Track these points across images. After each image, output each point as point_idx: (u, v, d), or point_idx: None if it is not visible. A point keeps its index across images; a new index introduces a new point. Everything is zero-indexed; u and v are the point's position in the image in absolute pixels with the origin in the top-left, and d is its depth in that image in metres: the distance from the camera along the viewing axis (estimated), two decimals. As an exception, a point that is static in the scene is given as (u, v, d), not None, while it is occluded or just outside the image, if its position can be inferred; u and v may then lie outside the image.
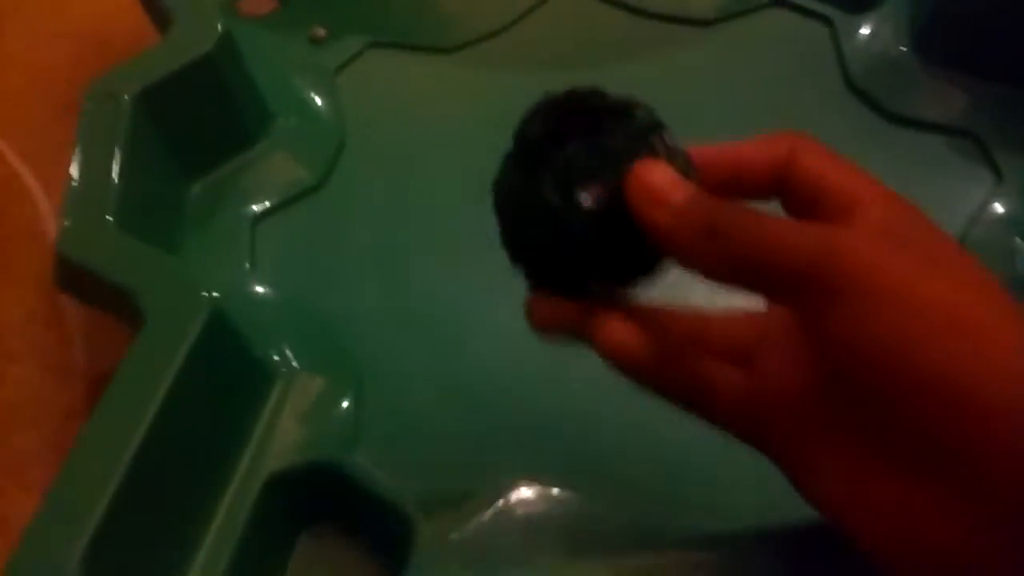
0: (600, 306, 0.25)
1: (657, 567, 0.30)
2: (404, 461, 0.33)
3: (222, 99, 0.39)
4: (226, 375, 0.32)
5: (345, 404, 0.34)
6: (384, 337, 0.36)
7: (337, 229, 0.39)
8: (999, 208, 0.39)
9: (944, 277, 0.20)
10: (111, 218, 0.32)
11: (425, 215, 0.40)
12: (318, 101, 0.43)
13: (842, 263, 0.20)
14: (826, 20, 0.45)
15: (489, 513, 0.32)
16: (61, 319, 0.38)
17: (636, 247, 0.24)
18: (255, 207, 0.39)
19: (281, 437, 0.33)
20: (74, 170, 0.33)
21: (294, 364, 0.34)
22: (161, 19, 0.39)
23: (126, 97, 0.35)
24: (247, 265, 0.37)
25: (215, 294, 0.31)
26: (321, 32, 0.45)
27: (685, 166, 0.24)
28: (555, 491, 0.32)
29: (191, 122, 0.38)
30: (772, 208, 0.23)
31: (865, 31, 0.44)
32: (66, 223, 0.32)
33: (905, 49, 0.43)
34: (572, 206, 0.23)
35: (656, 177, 0.23)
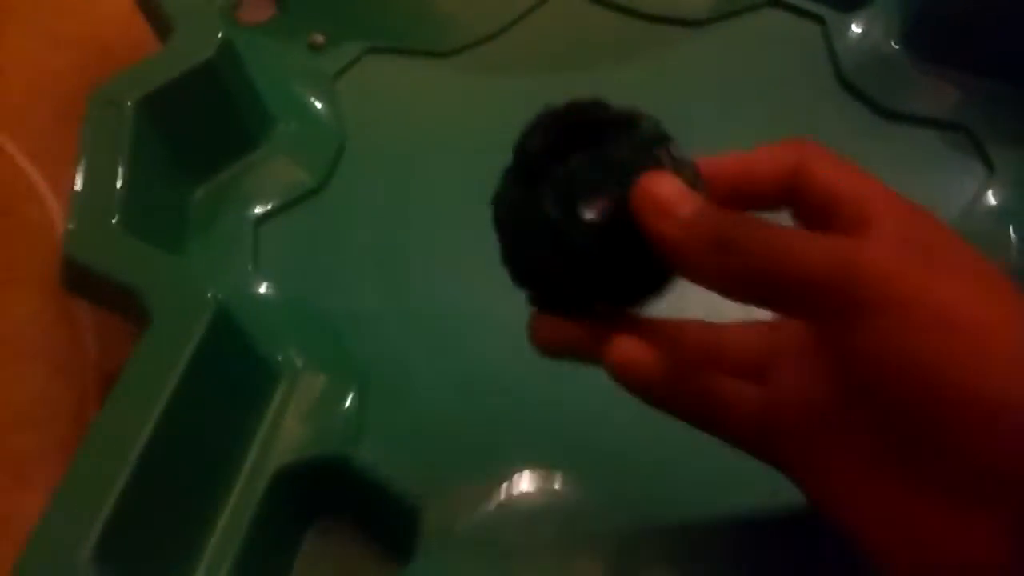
0: (607, 324, 0.24)
1: (659, 558, 0.30)
2: (408, 455, 0.33)
3: (223, 104, 0.39)
4: (231, 374, 0.32)
5: (349, 401, 0.34)
6: (386, 335, 0.37)
7: (338, 230, 0.40)
8: (991, 200, 0.39)
9: (968, 287, 0.20)
10: (116, 221, 0.32)
11: (424, 215, 0.40)
12: (318, 106, 0.43)
13: (863, 276, 0.20)
14: (818, 19, 0.46)
15: (493, 505, 0.32)
16: (70, 319, 0.39)
17: (643, 263, 0.23)
18: (257, 210, 0.39)
19: (286, 434, 0.33)
20: (79, 175, 0.34)
21: (297, 363, 0.35)
22: (162, 27, 0.39)
23: (129, 103, 0.35)
24: (250, 266, 0.38)
25: (220, 294, 0.31)
26: (320, 38, 0.46)
27: (693, 178, 0.23)
28: (559, 483, 0.32)
29: (193, 127, 0.38)
30: (781, 219, 0.23)
31: (856, 29, 0.44)
32: (72, 226, 0.32)
33: (896, 46, 0.44)
34: (575, 221, 0.23)
35: (663, 189, 0.22)
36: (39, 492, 0.35)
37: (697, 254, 0.21)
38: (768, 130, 0.41)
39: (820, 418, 0.23)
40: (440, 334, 0.37)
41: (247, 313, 0.34)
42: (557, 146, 0.23)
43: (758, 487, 0.29)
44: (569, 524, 0.32)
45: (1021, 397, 0.18)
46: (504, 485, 0.32)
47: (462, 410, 0.35)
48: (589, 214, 0.23)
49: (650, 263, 0.23)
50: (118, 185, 0.33)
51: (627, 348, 0.24)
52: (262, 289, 0.37)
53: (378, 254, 0.39)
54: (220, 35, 0.38)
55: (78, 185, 0.33)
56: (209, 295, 0.31)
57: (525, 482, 0.33)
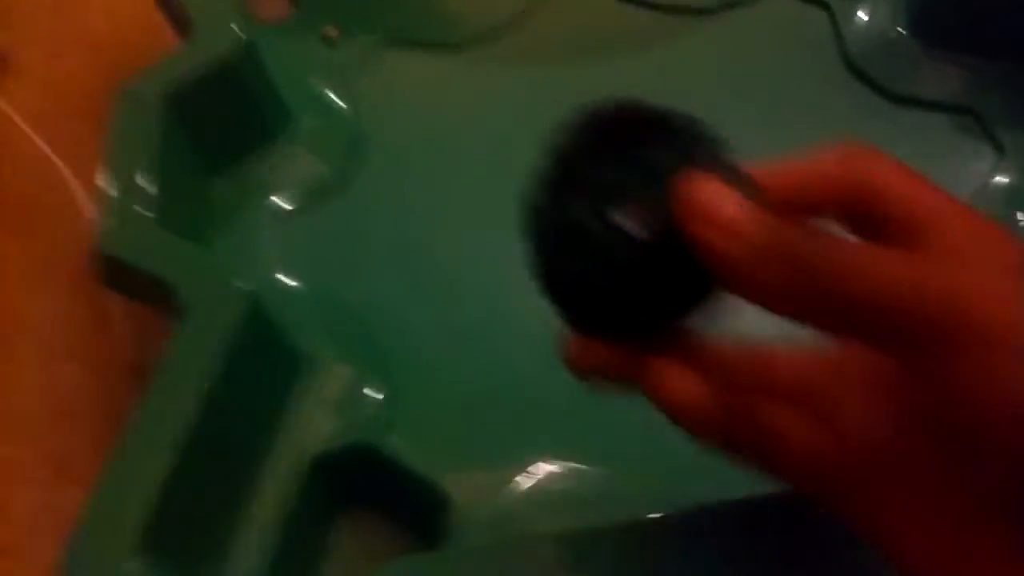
0: (648, 346, 0.22)
1: (682, 547, 0.31)
2: (435, 444, 0.34)
3: (243, 99, 0.40)
4: (263, 365, 0.33)
5: (377, 390, 0.35)
6: (411, 324, 0.37)
7: (359, 222, 0.40)
8: (1001, 182, 0.40)
9: None
10: (148, 215, 0.33)
11: (444, 205, 0.41)
12: (334, 99, 0.44)
13: (970, 309, 0.18)
14: (823, 5, 0.46)
15: (520, 492, 0.33)
16: (102, 315, 0.39)
17: (690, 279, 0.21)
18: (279, 203, 0.40)
19: (315, 425, 0.34)
20: (108, 170, 0.34)
21: (325, 353, 0.35)
22: (182, 25, 0.40)
23: (154, 99, 0.36)
24: (274, 259, 0.38)
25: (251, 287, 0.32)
26: (334, 33, 0.46)
27: (746, 185, 0.21)
28: (584, 470, 0.33)
29: (214, 122, 0.39)
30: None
31: (863, 14, 0.45)
32: (106, 221, 0.33)
33: (903, 30, 0.44)
34: (616, 233, 0.20)
35: (715, 197, 0.20)
36: (79, 485, 0.35)
37: (759, 271, 0.19)
38: (777, 117, 0.43)
39: (898, 467, 0.20)
40: (465, 323, 0.37)
41: (274, 305, 0.34)
42: (595, 149, 0.21)
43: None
44: (595, 510, 0.32)
45: None
46: (530, 472, 0.33)
47: (487, 398, 0.35)
48: (631, 226, 0.20)
49: (697, 278, 0.21)
50: (147, 180, 0.34)
51: (674, 378, 0.22)
52: (287, 281, 0.38)
53: (400, 244, 0.40)
54: (239, 31, 0.39)
55: (108, 181, 0.34)
56: (241, 286, 0.31)
57: (550, 468, 0.33)
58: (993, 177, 0.40)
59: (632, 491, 0.32)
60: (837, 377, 0.21)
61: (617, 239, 0.20)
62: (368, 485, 0.34)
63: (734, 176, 0.21)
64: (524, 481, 0.33)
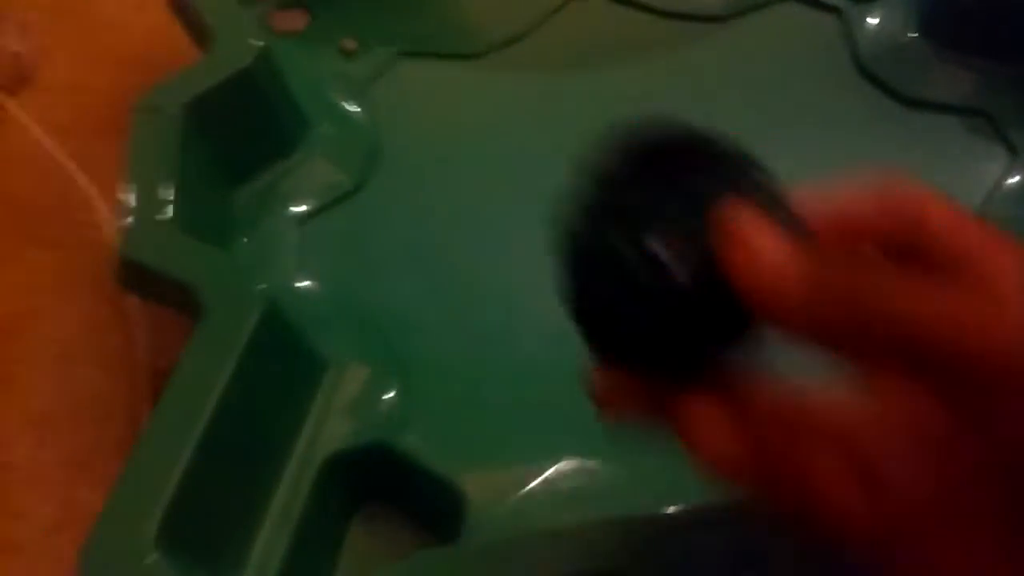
0: (679, 382, 0.21)
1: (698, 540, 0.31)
2: (450, 442, 0.34)
3: (262, 109, 0.41)
4: (281, 365, 0.34)
5: (393, 390, 0.35)
6: (426, 326, 0.38)
7: (375, 228, 0.41)
8: (1014, 183, 0.40)
9: None
10: (168, 220, 0.34)
11: (458, 210, 0.42)
12: (352, 109, 0.45)
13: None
14: (835, 10, 0.46)
15: (535, 489, 0.33)
16: (122, 321, 0.40)
17: (726, 311, 0.20)
18: (297, 210, 0.41)
19: (333, 424, 0.34)
20: (129, 177, 0.35)
21: (342, 354, 0.36)
22: (202, 37, 0.41)
23: (175, 108, 0.37)
24: (293, 264, 0.39)
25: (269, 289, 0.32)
26: (351, 44, 0.47)
27: (791, 217, 0.20)
28: (599, 467, 0.33)
29: (234, 131, 0.40)
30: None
31: (874, 19, 0.45)
32: (127, 226, 0.34)
33: (914, 34, 0.45)
34: (650, 260, 0.19)
35: (761, 234, 0.19)
36: (98, 486, 0.36)
37: (806, 310, 0.19)
38: (790, 121, 0.43)
39: (942, 512, 0.19)
40: (480, 325, 0.38)
41: (292, 307, 0.35)
42: (636, 173, 0.20)
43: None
44: (610, 508, 0.32)
45: None
46: (545, 470, 0.33)
47: (502, 397, 0.36)
48: (668, 255, 0.19)
49: (736, 314, 0.20)
50: (168, 187, 0.35)
51: (708, 423, 0.20)
52: (305, 285, 0.39)
53: (416, 248, 0.40)
54: (258, 43, 0.40)
55: (130, 187, 0.35)
56: (260, 288, 0.32)
57: (566, 467, 0.34)
58: (1006, 179, 0.40)
59: (647, 489, 0.33)
60: (882, 428, 0.20)
61: (653, 268, 0.19)
62: (385, 484, 0.35)
63: (777, 207, 0.20)
64: (539, 480, 0.33)
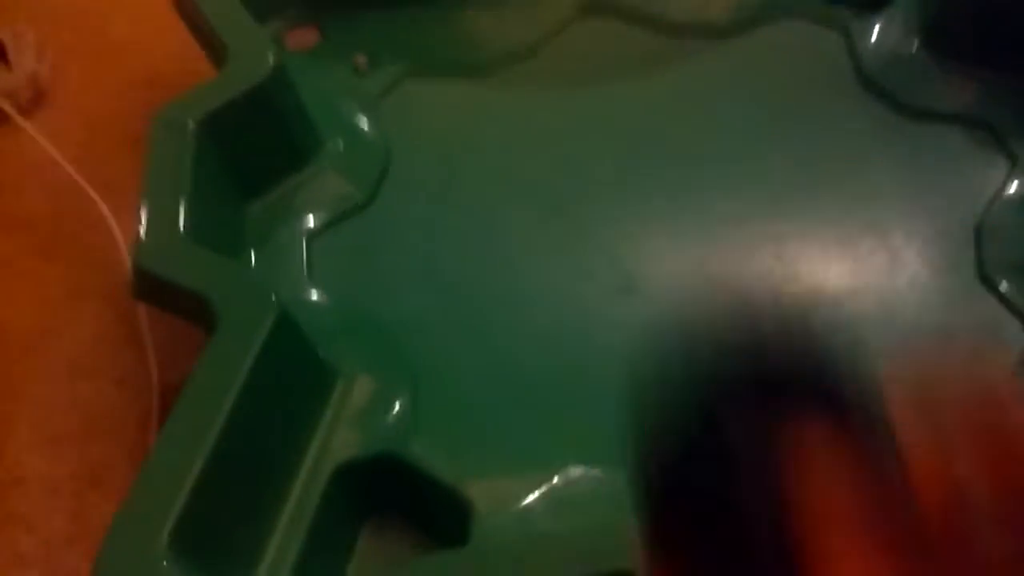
0: None
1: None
2: (458, 452, 0.35)
3: (276, 124, 0.41)
4: (292, 375, 0.34)
5: (402, 400, 0.36)
6: (434, 338, 0.38)
7: (385, 241, 0.42)
8: (1016, 193, 0.40)
9: None
10: (182, 232, 0.35)
11: (467, 225, 0.42)
12: (363, 125, 0.45)
13: None
14: (839, 24, 0.47)
15: (541, 497, 0.33)
16: (135, 337, 0.41)
17: None
18: (309, 223, 0.41)
19: (342, 434, 0.35)
20: (146, 191, 0.36)
21: (352, 365, 0.36)
22: (217, 54, 0.42)
23: (191, 123, 0.38)
24: (304, 276, 0.40)
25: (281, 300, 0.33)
26: (363, 61, 0.48)
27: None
28: (606, 475, 0.34)
29: (248, 146, 0.41)
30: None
31: (877, 32, 0.46)
32: (142, 238, 0.35)
33: (917, 45, 0.45)
34: None
35: None
36: (110, 498, 0.37)
37: None
38: (795, 134, 0.43)
39: None
40: (487, 336, 0.38)
41: (304, 319, 0.35)
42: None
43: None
44: (616, 515, 0.33)
45: None
46: (550, 478, 0.34)
47: (509, 408, 0.36)
48: None
49: None
50: (182, 200, 0.36)
51: None
52: (316, 297, 0.39)
53: (425, 263, 0.41)
54: (272, 60, 0.40)
55: (145, 200, 0.35)
56: (272, 301, 0.32)
57: (572, 475, 0.34)
58: (1008, 188, 0.40)
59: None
60: None
61: None
62: (393, 492, 0.35)
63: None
64: (545, 488, 0.34)
